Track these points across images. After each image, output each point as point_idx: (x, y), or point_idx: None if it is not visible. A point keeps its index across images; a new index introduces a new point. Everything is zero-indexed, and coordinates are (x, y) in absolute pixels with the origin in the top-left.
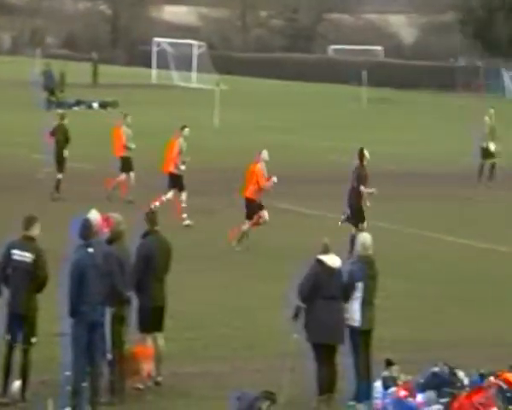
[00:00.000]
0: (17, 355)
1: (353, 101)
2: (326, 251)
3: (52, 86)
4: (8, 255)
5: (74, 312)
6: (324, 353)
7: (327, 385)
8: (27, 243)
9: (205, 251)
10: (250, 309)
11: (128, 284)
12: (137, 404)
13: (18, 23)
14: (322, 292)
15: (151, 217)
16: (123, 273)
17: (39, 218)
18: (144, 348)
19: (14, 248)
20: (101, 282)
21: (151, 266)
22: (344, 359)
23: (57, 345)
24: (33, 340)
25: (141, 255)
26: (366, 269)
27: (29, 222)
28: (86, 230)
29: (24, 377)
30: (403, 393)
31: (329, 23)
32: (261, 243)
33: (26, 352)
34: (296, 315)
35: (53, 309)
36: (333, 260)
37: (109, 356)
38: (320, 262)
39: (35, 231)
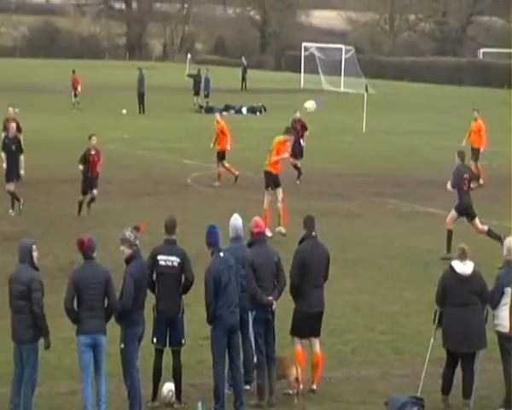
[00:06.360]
0: (165, 360)
1: (503, 105)
2: (462, 257)
3: (199, 91)
4: (153, 262)
5: (214, 317)
6: (454, 359)
7: (462, 390)
8: (172, 247)
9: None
10: (395, 314)
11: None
12: (285, 408)
13: (169, 30)
14: (452, 299)
15: (308, 222)
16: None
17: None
18: (294, 353)
19: (159, 254)
20: (237, 285)
21: (308, 272)
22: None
23: (206, 348)
24: (183, 341)
25: (298, 260)
26: None
27: (172, 226)
28: (214, 236)
29: (176, 380)
30: None
31: (479, 26)
32: (408, 248)
33: (177, 355)
34: (437, 320)
35: (202, 312)
36: (463, 267)
37: (255, 359)
38: (451, 268)
39: (175, 234)
